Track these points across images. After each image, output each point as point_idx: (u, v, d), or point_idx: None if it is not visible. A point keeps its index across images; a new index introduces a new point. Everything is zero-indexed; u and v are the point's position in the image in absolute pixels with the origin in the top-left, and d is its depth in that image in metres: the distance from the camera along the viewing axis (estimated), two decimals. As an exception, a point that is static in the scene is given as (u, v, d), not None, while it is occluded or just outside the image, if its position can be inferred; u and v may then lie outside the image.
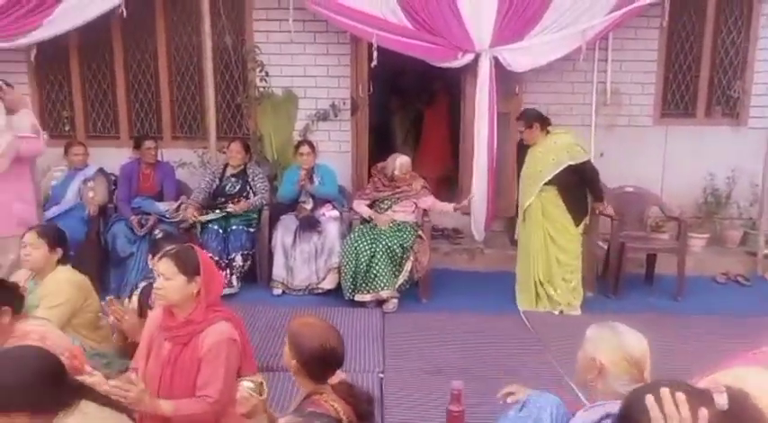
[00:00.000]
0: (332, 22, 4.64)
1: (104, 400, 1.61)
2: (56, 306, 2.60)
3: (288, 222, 4.23)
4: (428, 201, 4.32)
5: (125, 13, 4.50)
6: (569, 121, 4.94)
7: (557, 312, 3.88)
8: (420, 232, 4.11)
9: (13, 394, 1.47)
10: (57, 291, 2.65)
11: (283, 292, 4.18)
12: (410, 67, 5.88)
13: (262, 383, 1.83)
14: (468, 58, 4.54)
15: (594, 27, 4.52)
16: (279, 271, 4.16)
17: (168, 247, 2.22)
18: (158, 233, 3.58)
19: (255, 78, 4.82)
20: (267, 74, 4.81)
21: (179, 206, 4.25)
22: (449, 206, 4.37)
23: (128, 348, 2.56)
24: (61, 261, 2.82)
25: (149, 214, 4.18)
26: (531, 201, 3.90)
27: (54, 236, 2.79)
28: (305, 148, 4.35)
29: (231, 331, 2.12)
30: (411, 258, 3.97)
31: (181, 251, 2.17)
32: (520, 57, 4.54)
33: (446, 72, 5.24)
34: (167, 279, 2.09)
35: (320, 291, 4.16)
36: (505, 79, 4.66)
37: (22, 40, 4.66)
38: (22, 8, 4.54)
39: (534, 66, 4.62)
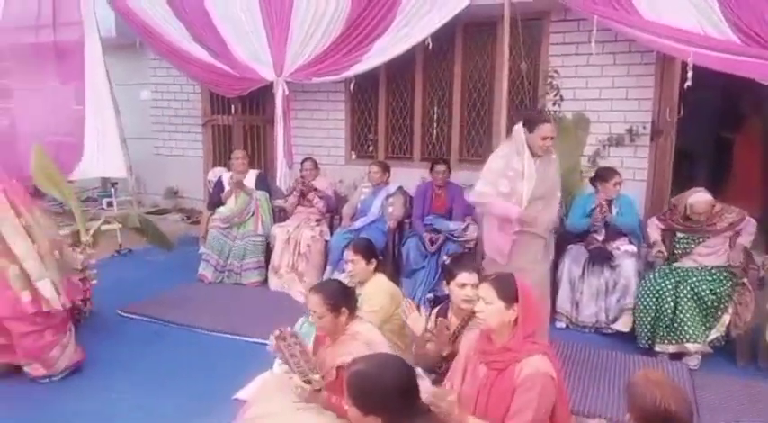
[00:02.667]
0: (639, 42, 4.31)
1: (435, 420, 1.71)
2: (373, 311, 2.91)
3: (576, 253, 4.03)
4: (749, 226, 3.67)
5: (431, 46, 4.89)
6: None
7: None
8: (744, 280, 3.48)
9: (375, 397, 1.64)
10: (375, 297, 2.98)
11: (567, 325, 4.00)
12: (710, 86, 5.13)
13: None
14: (818, 75, 3.74)
15: None
16: (564, 303, 3.99)
17: (493, 274, 2.28)
18: (446, 258, 3.73)
19: (548, 103, 4.76)
20: (561, 98, 4.71)
21: (467, 226, 4.42)
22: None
23: (435, 360, 2.69)
24: (376, 269, 3.17)
25: (439, 232, 4.42)
26: None
27: (367, 249, 3.16)
28: (618, 178, 4.07)
29: (548, 366, 2.06)
30: (730, 311, 3.39)
31: (501, 278, 2.21)
32: None
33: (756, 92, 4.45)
34: (487, 303, 2.14)
35: (609, 331, 3.85)
36: None
37: (345, 74, 5.42)
38: (347, 46, 5.29)
39: None
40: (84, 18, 5.82)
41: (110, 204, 6.78)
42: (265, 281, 4.90)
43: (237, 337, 3.83)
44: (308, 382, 2.28)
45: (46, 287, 3.00)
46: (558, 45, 4.84)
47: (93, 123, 5.98)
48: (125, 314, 4.09)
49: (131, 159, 6.05)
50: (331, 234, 4.90)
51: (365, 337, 2.41)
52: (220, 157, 6.69)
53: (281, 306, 4.40)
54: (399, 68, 5.53)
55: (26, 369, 3.07)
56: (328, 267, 4.67)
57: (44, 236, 3.17)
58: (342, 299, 2.44)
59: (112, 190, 6.72)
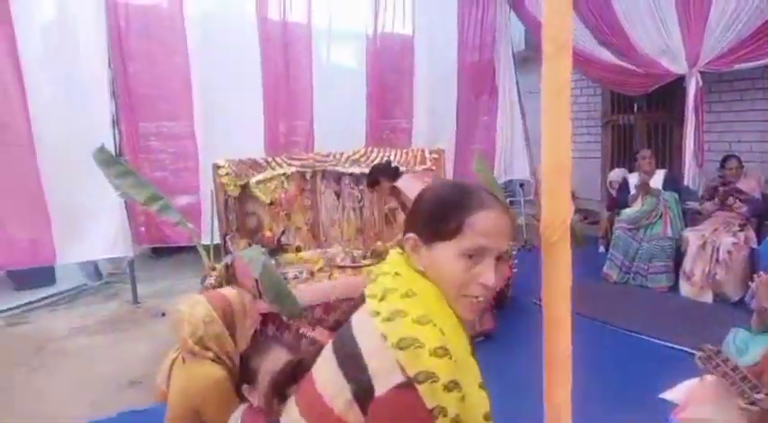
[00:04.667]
0: None
1: None
2: None
3: None
4: None
5: None
6: None
7: None
8: None
9: None
10: None
11: None
12: None
13: None
14: None
15: None
16: None
17: None
18: None
19: None
20: None
21: None
22: None
23: None
24: None
25: None
26: None
27: None
28: None
29: None
30: None
31: None
32: None
33: None
34: None
35: None
36: None
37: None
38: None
39: None
40: (499, 37, 6.65)
41: (511, 203, 7.54)
42: (673, 286, 4.67)
43: (648, 338, 3.81)
44: (753, 403, 2.13)
45: None
46: None
47: (502, 131, 6.78)
48: (540, 303, 4.52)
49: (533, 162, 6.62)
50: (758, 241, 4.32)
51: None
52: (620, 157, 6.66)
53: (693, 314, 4.16)
54: None
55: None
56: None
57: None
58: None
59: (520, 190, 7.45)
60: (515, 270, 4.53)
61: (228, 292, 2.26)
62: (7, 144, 4.22)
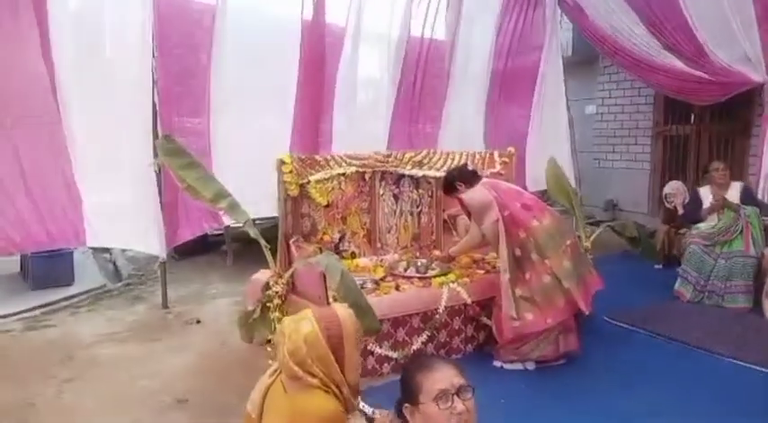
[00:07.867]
0: None
1: None
2: None
3: None
4: None
5: None
6: None
7: None
8: None
9: None
10: None
11: None
12: None
13: None
14: None
15: None
16: None
17: None
18: None
19: None
20: None
21: None
22: None
23: None
24: None
25: None
26: None
27: None
28: None
29: None
30: None
31: None
32: None
33: None
34: None
35: None
36: None
37: None
38: None
39: None
40: (547, 41, 6.32)
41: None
42: (754, 306, 4.34)
43: (729, 360, 3.50)
44: None
45: None
46: None
47: (536, 138, 6.37)
48: (611, 321, 4.17)
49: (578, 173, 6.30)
50: None
51: None
52: (672, 169, 6.35)
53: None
54: None
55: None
56: None
57: (556, 247, 3.31)
58: None
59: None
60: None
61: (341, 310, 1.88)
62: (40, 126, 3.89)
